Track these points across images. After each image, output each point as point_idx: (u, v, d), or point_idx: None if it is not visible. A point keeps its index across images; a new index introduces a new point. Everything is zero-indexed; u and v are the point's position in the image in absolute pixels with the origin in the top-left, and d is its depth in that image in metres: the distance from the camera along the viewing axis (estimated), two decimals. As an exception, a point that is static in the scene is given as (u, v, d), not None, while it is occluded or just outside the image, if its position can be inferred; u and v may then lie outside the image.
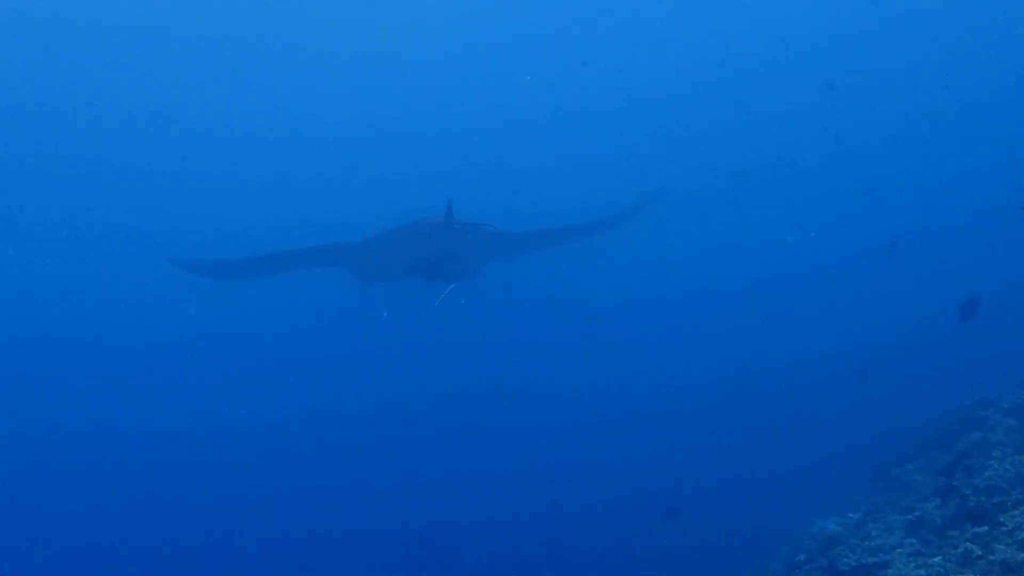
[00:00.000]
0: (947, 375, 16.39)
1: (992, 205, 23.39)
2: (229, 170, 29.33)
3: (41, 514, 18.19)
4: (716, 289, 24.32)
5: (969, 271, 21.38)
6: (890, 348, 18.40)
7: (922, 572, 7.28)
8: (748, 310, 22.66)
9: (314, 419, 20.19)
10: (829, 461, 15.34)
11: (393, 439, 18.85)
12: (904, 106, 27.38)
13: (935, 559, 7.36)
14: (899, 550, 8.08)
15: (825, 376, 19.21)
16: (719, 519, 14.75)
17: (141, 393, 22.24)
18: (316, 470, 18.32)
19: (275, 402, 20.96)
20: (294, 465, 18.64)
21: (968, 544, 7.07)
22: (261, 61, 28.89)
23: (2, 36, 25.54)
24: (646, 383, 19.95)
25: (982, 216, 24.05)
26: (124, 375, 23.39)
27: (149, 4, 26.38)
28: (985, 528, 7.30)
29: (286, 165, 29.69)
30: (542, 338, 22.52)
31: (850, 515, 10.33)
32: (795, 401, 18.92)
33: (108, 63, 27.34)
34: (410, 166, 28.67)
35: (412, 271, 11.75)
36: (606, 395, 19.65)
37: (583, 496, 16.28)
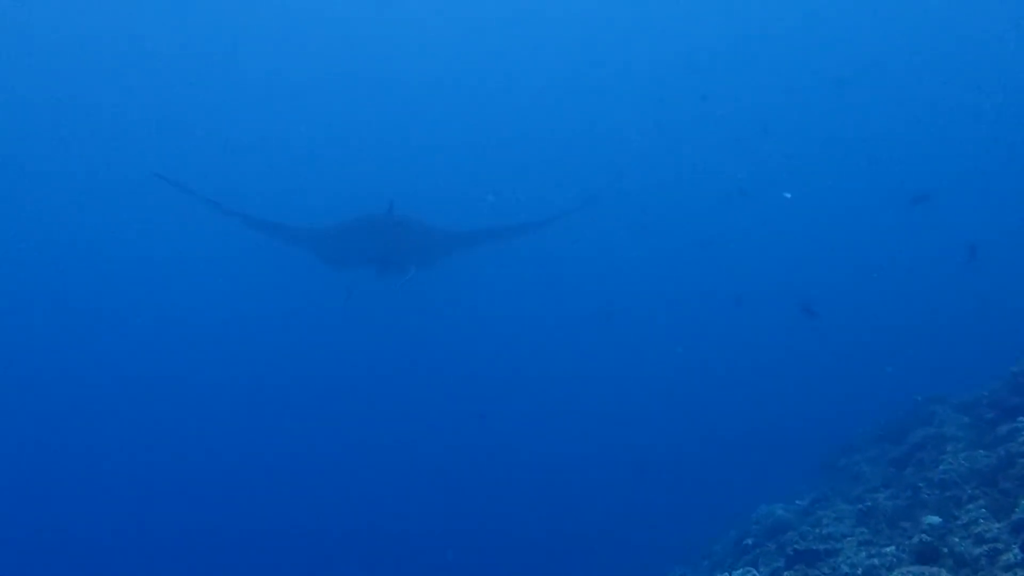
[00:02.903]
0: (892, 370, 16.72)
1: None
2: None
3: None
4: (683, 286, 24.48)
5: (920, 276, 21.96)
6: (839, 344, 18.66)
7: (875, 561, 7.22)
8: (710, 306, 22.83)
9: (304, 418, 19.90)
10: (771, 448, 15.54)
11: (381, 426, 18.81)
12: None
13: (888, 548, 7.31)
14: (850, 538, 8.05)
15: (773, 368, 19.47)
16: (662, 504, 14.78)
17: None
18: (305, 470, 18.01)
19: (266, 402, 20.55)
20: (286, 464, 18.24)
21: (922, 536, 7.03)
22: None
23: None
24: (612, 372, 20.05)
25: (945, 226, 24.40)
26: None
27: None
28: (939, 521, 7.29)
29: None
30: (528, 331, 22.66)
31: (797, 502, 10.34)
32: (741, 391, 19.11)
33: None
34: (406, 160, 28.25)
35: (363, 260, 13.20)
36: (575, 386, 19.68)
37: (538, 482, 16.27)
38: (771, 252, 25.26)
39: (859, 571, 7.06)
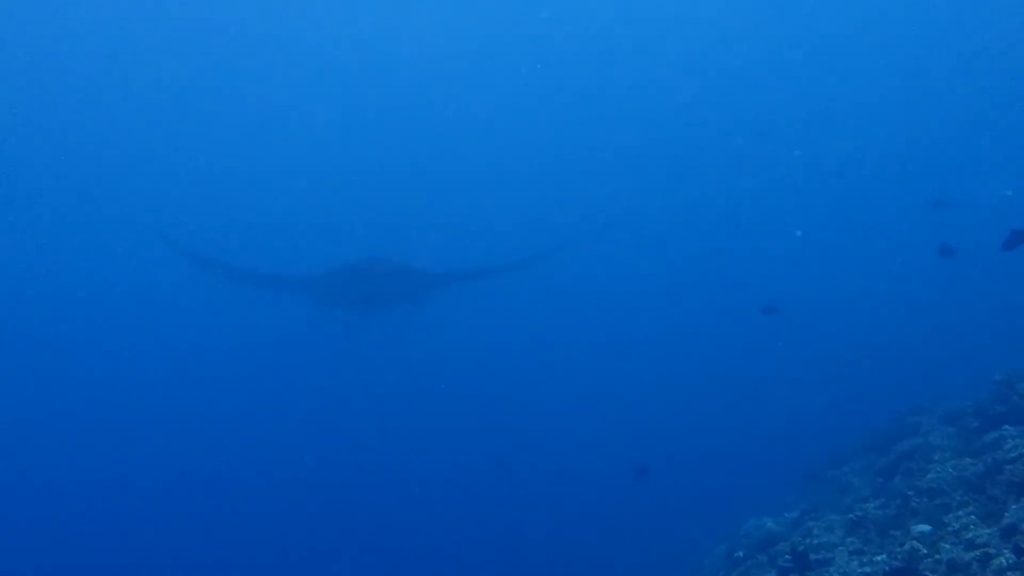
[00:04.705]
0: (872, 384, 16.90)
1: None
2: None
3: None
4: (674, 304, 24.68)
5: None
6: (819, 360, 18.80)
7: (867, 569, 7.26)
8: (696, 322, 23.04)
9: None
10: (756, 461, 15.59)
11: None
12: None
13: (879, 557, 7.36)
14: (841, 548, 8.10)
15: (756, 383, 19.55)
16: (650, 519, 14.75)
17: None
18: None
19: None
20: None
21: (914, 543, 7.08)
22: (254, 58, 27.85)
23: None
24: (599, 387, 20.17)
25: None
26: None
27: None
28: (929, 528, 7.35)
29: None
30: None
31: (786, 514, 10.38)
32: (725, 406, 19.16)
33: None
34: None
35: (350, 302, 14.19)
36: (562, 403, 19.81)
37: (529, 497, 16.31)
38: (759, 268, 25.48)
39: (852, 579, 7.09)
